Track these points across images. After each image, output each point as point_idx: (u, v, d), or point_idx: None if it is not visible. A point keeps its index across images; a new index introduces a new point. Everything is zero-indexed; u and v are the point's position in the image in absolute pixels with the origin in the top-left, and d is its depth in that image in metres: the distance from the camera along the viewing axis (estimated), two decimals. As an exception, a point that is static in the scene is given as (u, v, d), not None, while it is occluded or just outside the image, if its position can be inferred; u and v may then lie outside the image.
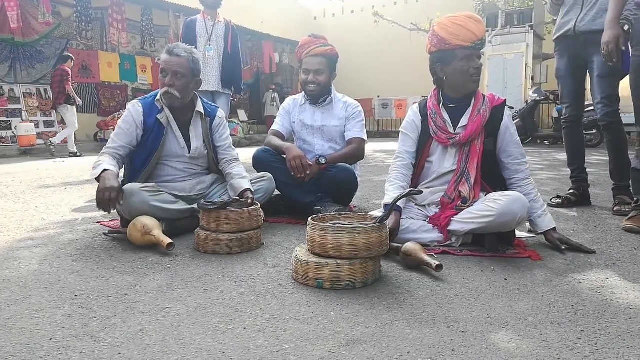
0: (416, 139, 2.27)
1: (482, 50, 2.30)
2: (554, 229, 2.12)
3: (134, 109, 2.40)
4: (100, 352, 1.17)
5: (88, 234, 2.39)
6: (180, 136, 2.45)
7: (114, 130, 2.47)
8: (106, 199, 2.07)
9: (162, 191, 2.34)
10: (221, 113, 2.65)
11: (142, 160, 2.41)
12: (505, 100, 2.25)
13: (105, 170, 2.17)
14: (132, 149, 2.39)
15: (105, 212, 2.15)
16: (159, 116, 2.39)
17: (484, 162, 2.16)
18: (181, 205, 2.36)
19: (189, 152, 2.47)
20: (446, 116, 2.21)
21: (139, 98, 2.49)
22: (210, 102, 2.68)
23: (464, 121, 2.17)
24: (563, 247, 2.06)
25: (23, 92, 9.64)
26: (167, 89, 2.33)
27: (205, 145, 2.53)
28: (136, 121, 2.37)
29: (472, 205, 2.08)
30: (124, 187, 2.20)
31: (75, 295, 1.55)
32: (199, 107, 2.50)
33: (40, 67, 9.95)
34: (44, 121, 9.80)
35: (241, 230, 2.10)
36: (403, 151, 2.29)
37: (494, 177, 2.19)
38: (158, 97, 2.40)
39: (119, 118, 10.39)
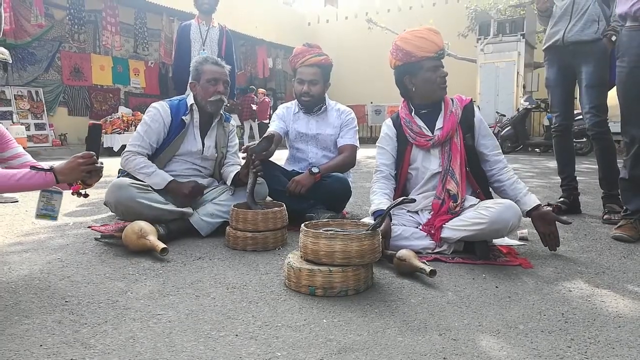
0: (392, 151, 2.33)
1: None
2: (540, 205, 2.16)
3: (163, 109, 2.54)
4: (90, 359, 1.16)
5: (79, 239, 2.37)
6: (198, 137, 2.61)
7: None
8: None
9: (151, 190, 2.38)
10: (233, 121, 2.85)
11: (157, 153, 2.56)
12: (471, 99, 2.35)
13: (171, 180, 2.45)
14: (156, 147, 2.55)
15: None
16: (184, 117, 2.55)
17: (469, 159, 2.22)
18: (171, 207, 2.39)
19: (202, 152, 2.61)
20: (420, 122, 2.27)
21: (165, 100, 2.63)
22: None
23: (439, 124, 2.25)
24: (565, 219, 2.16)
25: (14, 94, 9.55)
26: (221, 96, 2.55)
27: (217, 147, 2.68)
28: (165, 121, 2.53)
29: (462, 204, 2.12)
30: (114, 181, 2.36)
31: (66, 301, 1.54)
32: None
33: (32, 69, 9.85)
34: (35, 124, 9.72)
35: (256, 230, 2.21)
36: (380, 164, 2.34)
37: (479, 173, 2.26)
38: (192, 102, 2.57)
39: (111, 121, 10.26)
